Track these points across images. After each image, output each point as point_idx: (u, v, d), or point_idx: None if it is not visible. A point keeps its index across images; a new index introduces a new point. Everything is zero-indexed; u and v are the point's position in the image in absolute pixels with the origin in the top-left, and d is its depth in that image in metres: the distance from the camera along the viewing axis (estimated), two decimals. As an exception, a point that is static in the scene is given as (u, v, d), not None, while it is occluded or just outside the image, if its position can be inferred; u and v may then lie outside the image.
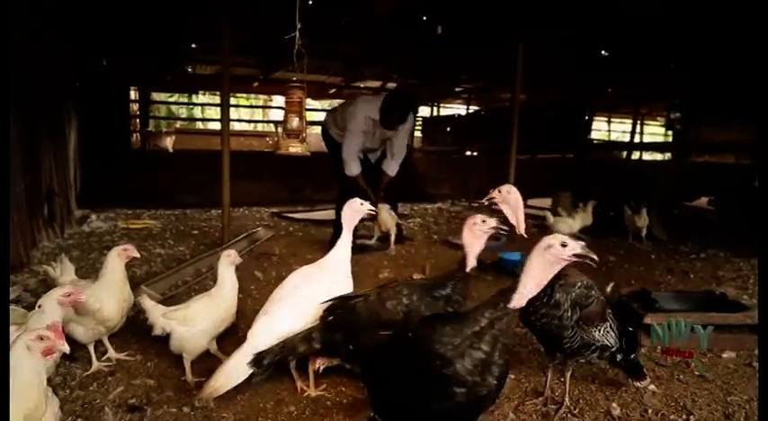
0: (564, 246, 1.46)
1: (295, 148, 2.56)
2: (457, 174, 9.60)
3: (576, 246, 1.46)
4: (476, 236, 2.01)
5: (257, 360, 2.08)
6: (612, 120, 14.50)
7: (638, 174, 6.79)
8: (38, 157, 4.79)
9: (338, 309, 2.19)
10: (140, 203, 7.72)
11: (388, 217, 4.76)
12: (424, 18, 7.29)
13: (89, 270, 4.01)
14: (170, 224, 6.50)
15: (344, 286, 2.37)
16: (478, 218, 2.01)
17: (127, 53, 8.20)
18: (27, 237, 4.10)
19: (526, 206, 7.70)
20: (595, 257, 1.49)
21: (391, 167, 4.79)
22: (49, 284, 3.63)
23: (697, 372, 2.50)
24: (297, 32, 2.52)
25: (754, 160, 5.72)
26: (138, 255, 2.55)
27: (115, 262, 2.50)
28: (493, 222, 1.99)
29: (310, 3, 7.05)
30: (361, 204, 2.50)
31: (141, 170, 8.19)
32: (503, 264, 4.14)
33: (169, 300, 3.27)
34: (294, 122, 2.51)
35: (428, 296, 2.08)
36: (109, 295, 2.39)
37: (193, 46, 7.99)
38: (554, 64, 8.56)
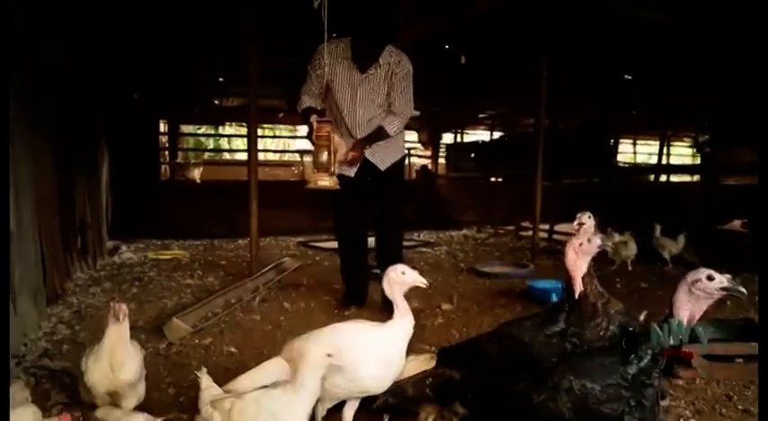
0: (711, 279, 1.48)
1: (324, 182, 2.59)
2: (482, 201, 9.57)
3: (723, 280, 1.47)
4: (581, 257, 1.90)
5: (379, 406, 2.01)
6: (638, 141, 14.37)
7: (667, 197, 6.68)
8: (72, 192, 4.91)
9: (456, 353, 2.07)
10: (169, 234, 7.86)
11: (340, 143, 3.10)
12: (447, 47, 7.42)
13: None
14: (198, 254, 6.59)
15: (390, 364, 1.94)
16: (583, 236, 1.91)
17: (157, 87, 8.47)
18: (62, 270, 4.19)
19: (554, 231, 7.66)
20: (744, 291, 1.48)
21: (389, 121, 3.52)
22: (83, 316, 3.72)
23: (741, 407, 2.42)
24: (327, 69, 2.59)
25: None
26: (126, 312, 2.12)
27: (109, 324, 2.10)
28: (598, 240, 1.89)
29: (334, 35, 7.25)
30: (403, 273, 1.96)
31: (170, 201, 8.34)
32: (532, 292, 4.08)
33: (200, 332, 3.29)
34: (323, 156, 2.54)
35: (540, 336, 1.90)
36: (93, 361, 2.05)
37: (221, 79, 8.23)
38: (578, 86, 8.56)
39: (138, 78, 8.01)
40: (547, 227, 7.92)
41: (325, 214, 8.98)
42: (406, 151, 3.85)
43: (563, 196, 8.51)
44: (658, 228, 5.69)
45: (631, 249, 5.41)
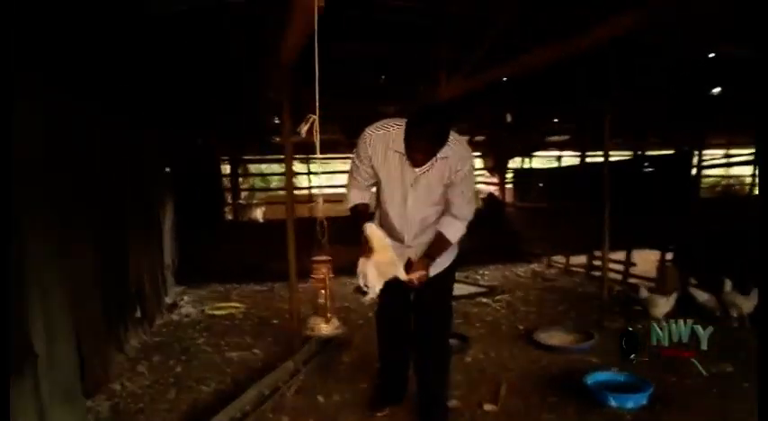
0: None
1: (325, 331, 2.38)
2: (551, 231, 9.03)
3: None
4: None
5: None
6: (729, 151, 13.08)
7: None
8: (125, 263, 4.97)
9: None
10: (232, 277, 8.01)
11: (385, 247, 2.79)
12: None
13: (163, 385, 4.08)
14: (254, 306, 6.61)
15: None
16: None
17: (219, 130, 8.65)
18: (107, 355, 4.23)
19: (630, 274, 7.00)
20: None
21: (449, 225, 3.05)
22: (120, 411, 3.73)
23: None
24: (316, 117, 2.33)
25: None
26: None
27: None
28: None
29: (383, 77, 7.08)
30: None
31: (232, 243, 8.50)
32: (588, 389, 3.64)
33: (223, 445, 3.18)
34: (320, 300, 2.34)
35: None
36: None
37: (277, 121, 8.26)
38: (652, 113, 7.90)
39: (201, 123, 8.20)
40: (621, 267, 7.32)
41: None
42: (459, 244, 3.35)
43: (637, 225, 7.82)
44: (729, 283, 5.15)
45: (661, 307, 5.22)
